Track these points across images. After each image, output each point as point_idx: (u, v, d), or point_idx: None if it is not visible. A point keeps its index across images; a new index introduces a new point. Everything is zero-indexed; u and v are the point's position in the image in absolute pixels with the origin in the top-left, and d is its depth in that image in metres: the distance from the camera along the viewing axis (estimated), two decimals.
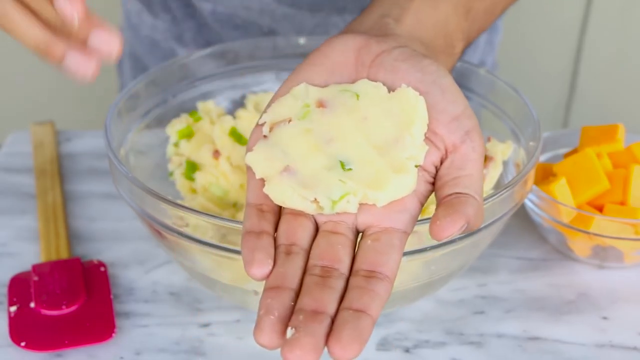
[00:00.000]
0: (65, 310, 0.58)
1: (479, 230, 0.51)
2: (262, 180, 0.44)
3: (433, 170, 0.45)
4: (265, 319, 0.39)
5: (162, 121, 0.65)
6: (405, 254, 0.49)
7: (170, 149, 0.64)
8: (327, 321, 0.39)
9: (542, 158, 0.69)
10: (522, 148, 0.61)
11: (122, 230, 0.68)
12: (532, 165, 0.54)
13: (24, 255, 0.65)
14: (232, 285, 0.55)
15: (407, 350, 0.57)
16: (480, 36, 0.86)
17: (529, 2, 1.41)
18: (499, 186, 0.61)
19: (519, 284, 0.63)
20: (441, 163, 0.45)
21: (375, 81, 0.46)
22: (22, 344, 0.55)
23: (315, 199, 0.42)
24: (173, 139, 0.63)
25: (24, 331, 0.56)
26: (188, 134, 0.63)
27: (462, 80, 0.66)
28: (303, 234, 0.43)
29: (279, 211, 0.44)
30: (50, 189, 0.71)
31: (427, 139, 0.45)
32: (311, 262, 0.41)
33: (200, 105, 0.65)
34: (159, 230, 0.52)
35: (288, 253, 0.41)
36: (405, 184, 0.43)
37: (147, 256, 0.65)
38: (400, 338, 0.58)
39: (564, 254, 0.66)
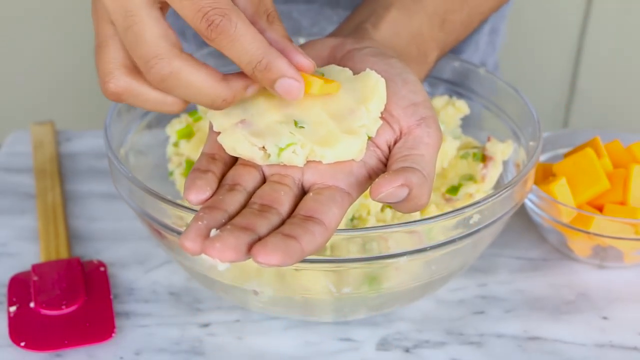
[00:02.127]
0: (64, 310, 0.58)
1: (479, 230, 0.51)
2: (219, 134, 0.45)
3: (386, 150, 0.46)
4: (192, 225, 0.39)
5: (162, 121, 0.65)
6: (405, 254, 0.49)
7: (170, 149, 0.64)
8: (254, 236, 0.39)
9: (542, 158, 0.69)
10: (522, 148, 0.61)
11: (122, 230, 0.68)
12: (532, 165, 0.54)
13: (23, 255, 0.65)
14: (232, 285, 0.55)
15: (407, 350, 0.57)
16: (482, 37, 0.86)
17: (529, 3, 1.40)
18: (499, 186, 0.61)
19: (519, 284, 0.63)
20: (395, 144, 0.46)
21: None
22: (22, 344, 0.55)
23: (264, 147, 0.44)
24: (173, 138, 0.63)
25: (23, 331, 0.56)
26: (188, 134, 0.63)
27: (463, 80, 0.66)
28: (248, 179, 0.44)
29: (230, 164, 0.45)
30: (50, 189, 0.71)
31: (384, 119, 0.46)
32: (252, 200, 0.42)
33: (200, 105, 0.65)
34: (159, 230, 0.52)
35: (230, 190, 0.43)
36: (354, 146, 0.44)
37: (147, 256, 0.65)
38: (400, 338, 0.58)
39: (564, 254, 0.66)
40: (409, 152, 0.45)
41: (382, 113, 0.46)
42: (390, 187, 0.42)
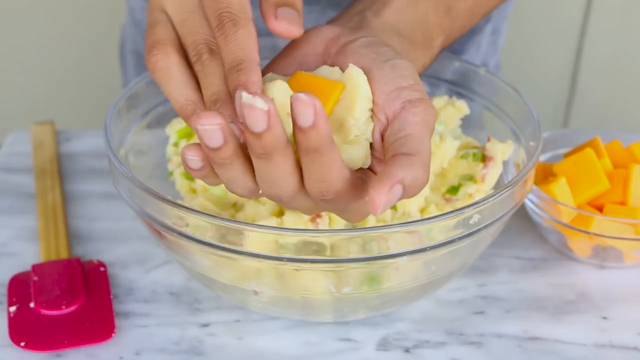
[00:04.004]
0: (64, 310, 0.58)
1: (479, 230, 0.51)
2: None
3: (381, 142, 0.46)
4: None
5: (162, 121, 0.65)
6: (405, 254, 0.49)
7: (170, 149, 0.64)
8: None
9: (542, 158, 0.69)
10: (522, 148, 0.61)
11: (122, 230, 0.68)
12: (532, 165, 0.54)
13: (23, 255, 0.65)
14: (232, 285, 0.55)
15: (407, 350, 0.57)
16: (483, 38, 0.86)
17: (529, 3, 1.41)
18: (499, 186, 0.61)
19: (519, 284, 0.63)
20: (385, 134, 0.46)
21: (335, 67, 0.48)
22: (22, 344, 0.55)
23: None
24: (173, 138, 0.63)
25: (23, 331, 0.56)
26: (188, 134, 0.63)
27: (463, 80, 0.66)
28: None
29: None
30: (50, 189, 0.71)
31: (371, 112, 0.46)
32: None
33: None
34: (159, 230, 0.52)
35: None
36: (358, 155, 0.44)
37: (147, 256, 0.65)
38: (400, 338, 0.58)
39: (564, 254, 0.66)
40: (395, 137, 0.44)
41: (370, 108, 0.46)
42: (381, 198, 0.41)
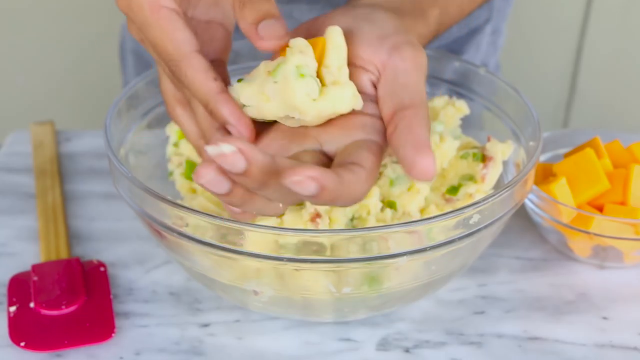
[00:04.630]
0: (64, 310, 0.58)
1: (479, 230, 0.51)
2: None
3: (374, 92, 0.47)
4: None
5: (162, 121, 0.65)
6: (405, 254, 0.49)
7: (170, 149, 0.64)
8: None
9: (542, 158, 0.69)
10: (522, 148, 0.61)
11: (122, 230, 0.68)
12: (532, 165, 0.54)
13: (23, 255, 0.65)
14: (232, 285, 0.55)
15: (407, 350, 0.57)
16: (483, 38, 0.86)
17: (529, 3, 1.41)
18: (499, 186, 0.61)
19: (519, 284, 0.63)
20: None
21: None
22: (22, 344, 0.55)
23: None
24: (173, 139, 0.63)
25: (23, 331, 0.56)
26: None
27: (463, 80, 0.66)
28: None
29: None
30: (50, 189, 0.71)
31: (358, 67, 0.46)
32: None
33: None
34: (159, 230, 0.52)
35: None
36: (346, 95, 0.45)
37: (147, 256, 0.65)
38: (400, 338, 0.58)
39: (564, 254, 0.66)
40: (392, 88, 0.44)
41: (350, 59, 0.46)
42: (429, 161, 0.41)
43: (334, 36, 0.46)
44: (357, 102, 0.46)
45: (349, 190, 0.41)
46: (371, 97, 0.47)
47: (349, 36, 0.47)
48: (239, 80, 0.48)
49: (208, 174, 0.40)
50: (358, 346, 0.57)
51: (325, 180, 0.39)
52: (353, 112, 0.47)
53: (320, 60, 0.46)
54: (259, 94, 0.46)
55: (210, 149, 0.38)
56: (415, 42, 0.46)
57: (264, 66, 0.48)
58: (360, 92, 0.47)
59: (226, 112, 0.45)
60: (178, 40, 0.45)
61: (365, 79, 0.47)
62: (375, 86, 0.47)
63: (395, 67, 0.45)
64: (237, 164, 0.38)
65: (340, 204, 0.42)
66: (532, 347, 0.57)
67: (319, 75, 0.46)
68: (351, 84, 0.46)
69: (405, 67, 0.44)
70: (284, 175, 0.39)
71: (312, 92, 0.45)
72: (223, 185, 0.40)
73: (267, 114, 0.46)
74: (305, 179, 0.38)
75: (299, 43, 0.46)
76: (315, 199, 0.40)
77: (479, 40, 0.86)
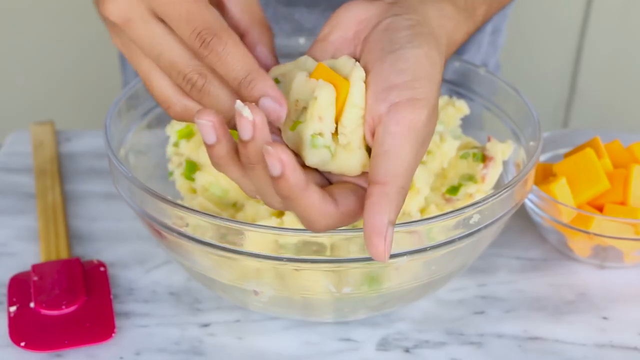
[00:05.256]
0: (65, 310, 0.58)
1: (479, 230, 0.51)
2: None
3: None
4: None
5: (162, 121, 0.65)
6: (405, 254, 0.49)
7: (170, 149, 0.64)
8: None
9: (542, 158, 0.69)
10: (522, 148, 0.61)
11: (122, 230, 0.68)
12: (532, 165, 0.54)
13: (23, 255, 0.65)
14: (232, 285, 0.55)
15: (407, 350, 0.57)
16: (484, 38, 0.86)
17: (529, 2, 1.41)
18: (499, 186, 0.61)
19: (519, 284, 0.63)
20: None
21: (359, 56, 0.47)
22: (22, 344, 0.55)
23: None
24: (173, 138, 0.63)
25: (23, 331, 0.56)
26: (188, 134, 0.63)
27: (463, 80, 0.66)
28: None
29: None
30: (50, 189, 0.71)
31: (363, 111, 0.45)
32: None
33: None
34: (159, 230, 0.52)
35: None
36: (352, 162, 0.45)
37: (147, 256, 0.65)
38: (400, 338, 0.58)
39: (564, 254, 0.66)
40: (376, 152, 0.43)
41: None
42: (379, 249, 0.42)
43: (354, 93, 0.44)
44: (367, 166, 0.45)
45: (309, 209, 0.42)
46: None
47: (368, 73, 0.45)
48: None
49: (207, 119, 0.41)
50: (358, 346, 0.57)
51: (291, 173, 0.40)
52: None
53: (340, 109, 0.45)
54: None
55: (238, 103, 0.40)
56: (422, 96, 0.44)
57: (271, 73, 0.48)
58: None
59: (268, 84, 0.44)
60: (216, 13, 0.45)
61: (366, 128, 0.45)
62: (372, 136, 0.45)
63: (386, 127, 0.43)
64: (245, 131, 0.40)
65: (299, 216, 0.43)
66: (532, 347, 0.57)
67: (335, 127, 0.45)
68: (362, 151, 0.45)
69: (396, 131, 0.43)
70: (269, 144, 0.40)
71: (323, 160, 0.45)
72: (210, 137, 0.41)
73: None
74: (276, 156, 0.39)
75: (323, 97, 0.44)
76: (276, 184, 0.40)
77: (479, 39, 0.86)
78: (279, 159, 0.39)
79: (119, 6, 0.45)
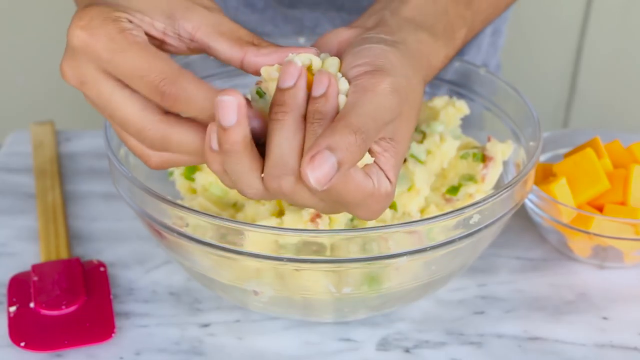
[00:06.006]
0: (65, 311, 0.58)
1: (479, 230, 0.51)
2: None
3: None
4: None
5: None
6: (405, 254, 0.49)
7: None
8: None
9: (542, 158, 0.69)
10: (522, 148, 0.61)
11: (122, 230, 0.68)
12: (532, 165, 0.54)
13: (23, 255, 0.65)
14: (232, 285, 0.55)
15: (407, 350, 0.57)
16: (484, 39, 0.86)
17: (529, 3, 1.41)
18: (499, 186, 0.61)
19: (519, 284, 0.63)
20: None
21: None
22: (22, 344, 0.55)
23: None
24: None
25: (23, 331, 0.56)
26: None
27: (464, 80, 0.66)
28: None
29: None
30: (50, 189, 0.71)
31: None
32: None
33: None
34: (159, 230, 0.52)
35: None
36: None
37: (147, 256, 0.65)
38: (400, 338, 0.58)
39: (564, 254, 0.66)
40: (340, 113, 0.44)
41: None
42: (306, 171, 0.41)
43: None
44: None
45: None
46: None
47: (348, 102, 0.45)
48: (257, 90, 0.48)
49: (233, 96, 0.41)
50: (358, 346, 0.57)
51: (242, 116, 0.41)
52: None
53: None
54: None
55: (219, 97, 0.41)
56: (382, 71, 0.45)
57: (255, 88, 0.48)
58: None
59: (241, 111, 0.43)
60: (167, 59, 0.44)
61: None
62: None
63: (348, 96, 0.45)
64: (228, 117, 0.41)
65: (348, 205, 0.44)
66: (532, 347, 0.57)
67: None
68: None
69: (354, 94, 0.45)
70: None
71: None
72: (231, 117, 0.41)
73: None
74: (231, 102, 0.40)
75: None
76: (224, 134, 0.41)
77: (479, 41, 0.86)
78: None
79: (73, 71, 0.45)
